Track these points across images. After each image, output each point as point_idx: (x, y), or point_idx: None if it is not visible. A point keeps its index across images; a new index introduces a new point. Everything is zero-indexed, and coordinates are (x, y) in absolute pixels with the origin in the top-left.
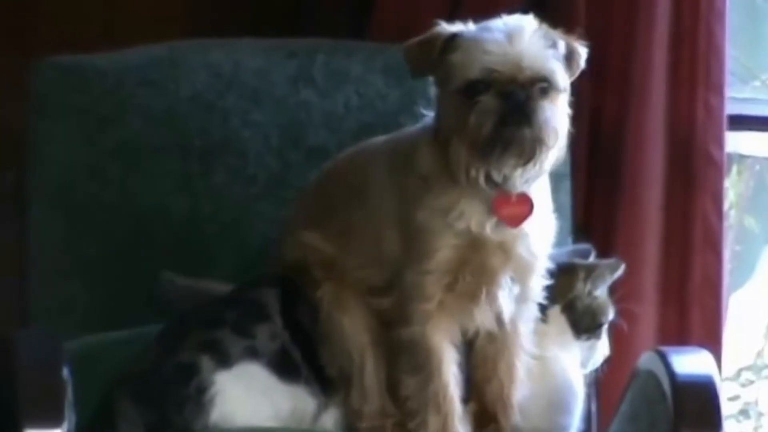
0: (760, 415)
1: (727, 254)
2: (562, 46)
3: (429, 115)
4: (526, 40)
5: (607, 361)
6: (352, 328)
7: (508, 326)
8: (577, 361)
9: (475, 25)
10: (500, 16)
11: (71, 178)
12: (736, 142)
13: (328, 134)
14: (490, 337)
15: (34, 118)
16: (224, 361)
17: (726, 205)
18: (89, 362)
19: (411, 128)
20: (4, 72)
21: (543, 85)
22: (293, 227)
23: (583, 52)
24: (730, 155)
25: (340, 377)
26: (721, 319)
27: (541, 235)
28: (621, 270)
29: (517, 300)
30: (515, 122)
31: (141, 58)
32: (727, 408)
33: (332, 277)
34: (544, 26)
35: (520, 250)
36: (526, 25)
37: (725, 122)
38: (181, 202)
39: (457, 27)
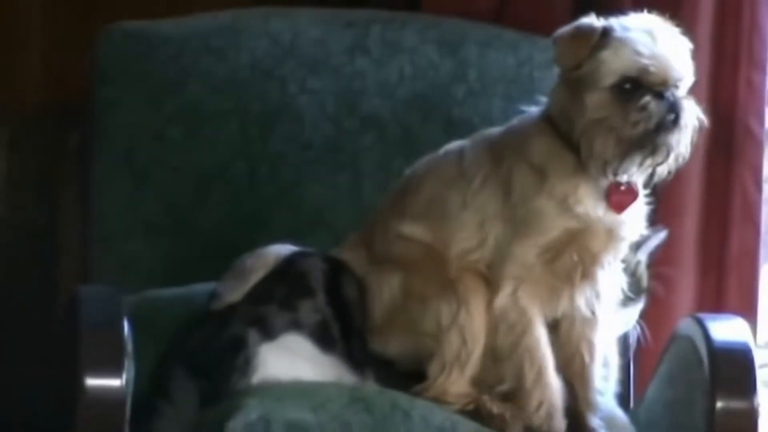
0: None
1: (763, 226)
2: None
3: (528, 110)
4: (670, 41)
5: (646, 327)
6: (477, 318)
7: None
8: (612, 327)
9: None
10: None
11: (135, 141)
12: None
13: (381, 102)
14: (572, 318)
15: (100, 82)
16: (269, 333)
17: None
18: (148, 316)
19: (501, 128)
20: (73, 36)
21: (684, 83)
22: (388, 222)
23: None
24: (767, 130)
25: (438, 356)
26: (757, 289)
27: (638, 220)
28: (663, 236)
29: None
30: (669, 125)
31: (204, 25)
32: (758, 375)
33: (457, 269)
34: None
35: (623, 233)
36: (663, 26)
37: (766, 98)
38: (240, 166)
39: (603, 21)
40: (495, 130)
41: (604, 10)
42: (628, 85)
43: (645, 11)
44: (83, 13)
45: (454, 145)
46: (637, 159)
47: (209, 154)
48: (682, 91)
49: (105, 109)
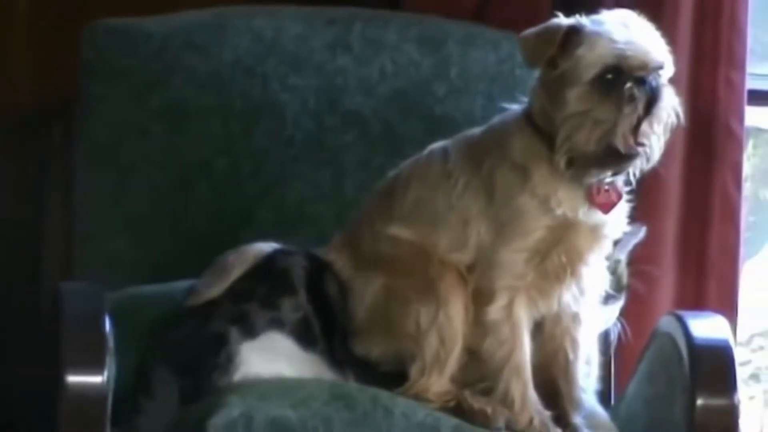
0: None
1: (742, 225)
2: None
3: (509, 108)
4: (644, 29)
5: (627, 324)
6: (455, 317)
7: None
8: (594, 325)
9: (587, 18)
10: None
11: (119, 137)
12: (753, 116)
13: (363, 99)
14: (557, 315)
15: (85, 79)
16: (250, 331)
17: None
18: (130, 313)
19: (482, 127)
20: (57, 33)
21: (663, 71)
22: (374, 223)
23: None
24: (747, 129)
25: (419, 358)
26: (737, 286)
27: (620, 218)
28: (642, 233)
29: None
30: (651, 115)
31: (187, 22)
32: (738, 372)
33: (438, 267)
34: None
35: (606, 231)
36: (636, 18)
37: (745, 97)
38: (223, 162)
39: (571, 20)
40: (476, 130)
41: (584, 10)
42: (609, 75)
43: (625, 10)
44: (67, 11)
45: (438, 145)
46: (609, 169)
47: (193, 151)
48: (663, 79)
49: (89, 105)
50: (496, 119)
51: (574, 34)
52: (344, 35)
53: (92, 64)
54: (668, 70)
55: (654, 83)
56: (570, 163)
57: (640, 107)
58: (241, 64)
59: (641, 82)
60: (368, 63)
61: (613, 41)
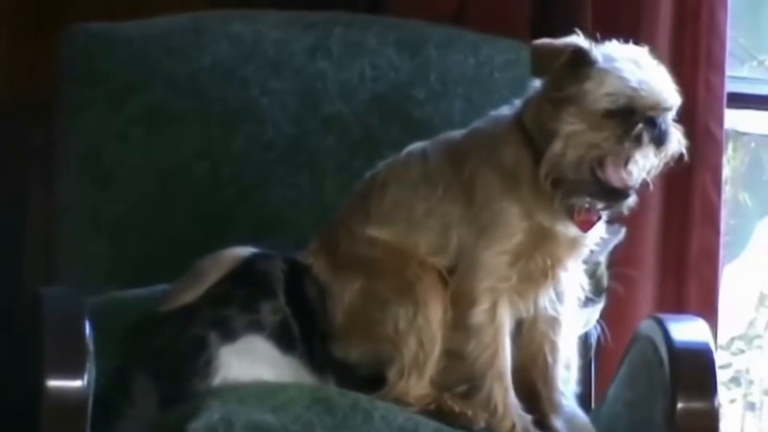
0: (750, 383)
1: (722, 227)
2: None
3: (496, 114)
4: (654, 68)
5: (607, 328)
6: (434, 320)
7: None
8: (573, 328)
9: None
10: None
11: (99, 141)
12: (732, 119)
13: (343, 103)
14: (535, 319)
15: (64, 83)
16: (229, 335)
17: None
18: (110, 317)
19: (464, 130)
20: (36, 37)
21: (672, 111)
22: (351, 225)
23: None
24: (726, 132)
25: (397, 361)
26: (717, 290)
27: (598, 227)
28: (622, 235)
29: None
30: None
31: (166, 27)
32: (718, 375)
33: (416, 269)
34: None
35: (586, 242)
36: (646, 54)
37: (725, 100)
38: (203, 166)
39: (585, 43)
40: (457, 133)
41: (562, 12)
42: (620, 112)
43: (607, 14)
44: (46, 15)
45: (417, 147)
46: (596, 199)
47: (172, 155)
48: (671, 116)
49: (69, 109)
50: (481, 122)
51: (585, 65)
52: (324, 39)
53: (71, 69)
54: (676, 108)
55: (663, 126)
56: (555, 184)
57: (646, 149)
58: (220, 68)
59: (652, 124)
60: (348, 67)
61: (624, 79)
